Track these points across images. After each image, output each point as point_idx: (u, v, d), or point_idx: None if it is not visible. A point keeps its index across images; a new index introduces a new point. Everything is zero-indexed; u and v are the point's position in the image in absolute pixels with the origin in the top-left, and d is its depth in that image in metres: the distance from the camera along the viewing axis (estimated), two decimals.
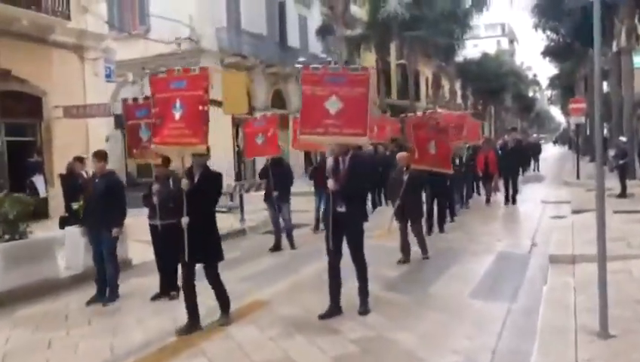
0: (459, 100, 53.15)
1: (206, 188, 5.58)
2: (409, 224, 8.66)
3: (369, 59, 34.71)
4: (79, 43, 16.29)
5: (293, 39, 28.76)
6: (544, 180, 23.26)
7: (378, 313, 6.16)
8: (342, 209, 5.86)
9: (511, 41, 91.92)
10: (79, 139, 15.59)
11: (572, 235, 9.41)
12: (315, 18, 30.35)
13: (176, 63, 21.98)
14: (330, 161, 5.91)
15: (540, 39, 32.11)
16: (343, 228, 5.91)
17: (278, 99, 27.54)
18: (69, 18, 15.44)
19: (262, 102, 25.38)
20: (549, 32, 34.70)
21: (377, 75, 32.06)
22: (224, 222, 13.31)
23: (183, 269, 5.73)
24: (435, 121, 9.28)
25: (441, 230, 11.09)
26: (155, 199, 6.90)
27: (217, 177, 5.76)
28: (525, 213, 13.90)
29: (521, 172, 21.09)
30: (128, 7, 23.67)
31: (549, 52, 36.58)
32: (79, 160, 10.78)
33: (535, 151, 29.56)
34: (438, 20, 30.70)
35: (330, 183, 5.79)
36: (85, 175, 11.00)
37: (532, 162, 28.66)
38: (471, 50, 54.23)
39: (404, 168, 8.73)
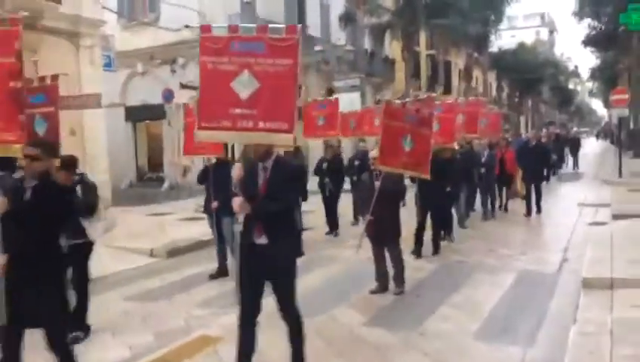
0: (493, 92, 50.86)
1: (40, 210, 3.59)
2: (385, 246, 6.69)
3: (396, 48, 33.03)
4: (73, 29, 15.17)
5: (313, 27, 27.24)
6: (582, 178, 21.20)
7: (347, 358, 4.74)
8: (262, 241, 4.02)
9: (551, 32, 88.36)
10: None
11: (611, 250, 7.79)
12: (339, 4, 28.76)
13: (186, 52, 21.44)
14: (236, 170, 3.98)
15: (581, 28, 30.18)
16: (265, 269, 4.02)
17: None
18: (59, 2, 14.34)
19: None
20: (589, 20, 32.59)
21: (405, 64, 30.39)
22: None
23: (2, 335, 3.66)
24: (414, 109, 6.75)
25: (436, 251, 8.64)
26: None
27: (60, 194, 3.81)
28: (558, 219, 12.00)
29: (553, 172, 19.13)
30: None
31: (591, 41, 34.50)
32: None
33: (574, 146, 27.39)
34: (469, 7, 28.76)
35: (237, 203, 3.88)
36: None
37: (570, 159, 26.54)
38: (508, 40, 51.86)
39: (378, 172, 6.62)
